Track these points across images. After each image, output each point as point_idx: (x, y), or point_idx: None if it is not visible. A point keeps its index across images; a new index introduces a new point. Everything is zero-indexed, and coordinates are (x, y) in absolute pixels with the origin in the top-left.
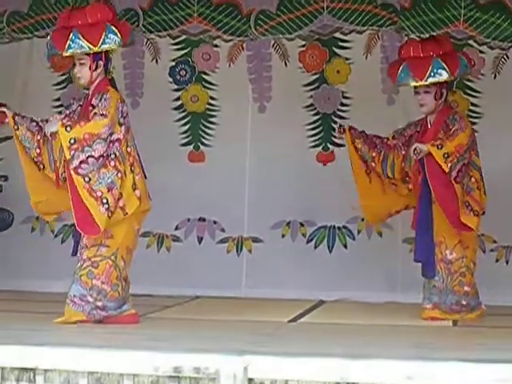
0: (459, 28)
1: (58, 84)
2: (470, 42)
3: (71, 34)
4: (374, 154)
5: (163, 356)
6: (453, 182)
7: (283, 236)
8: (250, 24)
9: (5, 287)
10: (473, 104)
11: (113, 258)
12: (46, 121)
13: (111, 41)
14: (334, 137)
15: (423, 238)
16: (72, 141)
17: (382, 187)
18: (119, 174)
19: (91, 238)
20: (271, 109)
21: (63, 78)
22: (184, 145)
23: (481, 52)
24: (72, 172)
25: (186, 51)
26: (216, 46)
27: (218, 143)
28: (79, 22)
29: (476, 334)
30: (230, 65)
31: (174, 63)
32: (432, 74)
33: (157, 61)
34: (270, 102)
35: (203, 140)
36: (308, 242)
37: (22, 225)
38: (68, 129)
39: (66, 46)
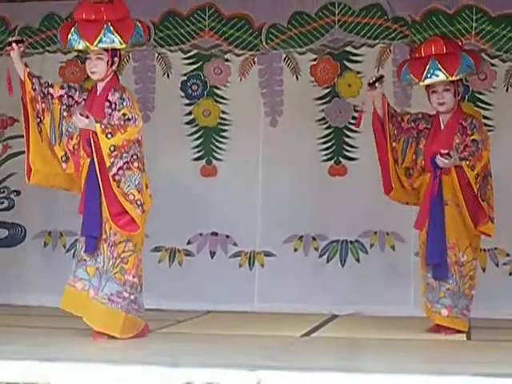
0: (471, 41)
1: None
2: (482, 55)
3: (104, 28)
4: (395, 132)
5: (175, 371)
6: (480, 201)
7: (296, 250)
8: (261, 38)
9: (17, 302)
10: (485, 117)
11: (137, 251)
12: (51, 86)
13: (138, 38)
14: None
15: (435, 240)
16: (112, 148)
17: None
18: (141, 174)
19: (119, 234)
20: (283, 122)
21: None
22: (196, 159)
23: (492, 65)
24: (110, 178)
25: (197, 66)
26: (227, 60)
27: (230, 157)
28: (110, 17)
29: (490, 348)
30: (241, 79)
31: (185, 77)
32: (461, 69)
33: (168, 75)
34: (282, 115)
35: (215, 154)
36: (320, 256)
37: (34, 240)
38: (109, 136)
39: (97, 40)
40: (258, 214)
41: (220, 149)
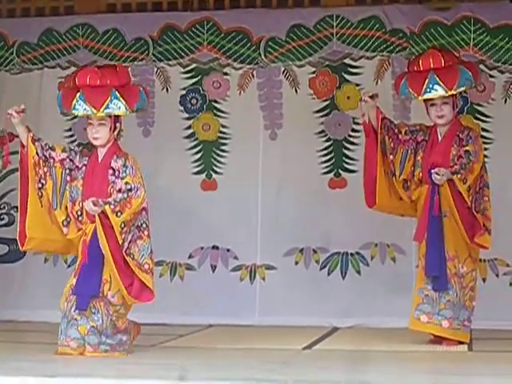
0: (469, 52)
1: (70, 114)
2: (480, 66)
3: (110, 94)
4: (392, 145)
5: None
6: (474, 212)
7: (296, 263)
8: (259, 51)
9: (18, 318)
10: (483, 129)
11: (127, 313)
12: (52, 148)
13: (142, 103)
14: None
15: (435, 252)
16: (122, 225)
17: (388, 188)
18: (150, 241)
19: (117, 297)
20: (282, 136)
21: None
22: (196, 173)
23: (491, 76)
24: (124, 253)
25: (196, 79)
26: (226, 73)
27: (230, 171)
28: (115, 83)
29: (491, 359)
30: (240, 92)
31: (184, 92)
32: (460, 83)
33: (167, 89)
34: (282, 128)
35: (215, 168)
36: (321, 268)
37: (34, 256)
38: (119, 214)
39: (104, 106)
40: (258, 227)
41: (220, 162)
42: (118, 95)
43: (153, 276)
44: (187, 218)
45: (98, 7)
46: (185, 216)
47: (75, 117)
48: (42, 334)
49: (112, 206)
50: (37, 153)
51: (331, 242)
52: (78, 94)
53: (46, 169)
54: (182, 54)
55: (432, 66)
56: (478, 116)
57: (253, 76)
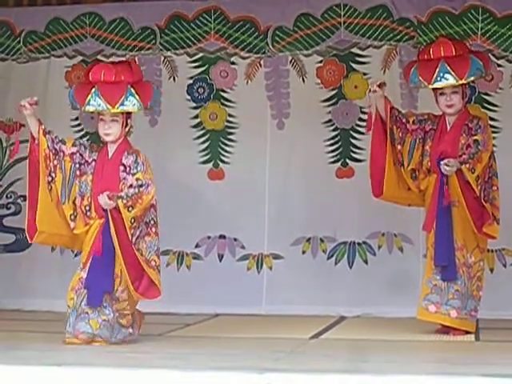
0: (477, 42)
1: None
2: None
3: (126, 91)
4: (400, 135)
5: (184, 374)
6: (483, 202)
7: (304, 252)
8: (267, 41)
9: (24, 307)
10: (491, 118)
11: (133, 311)
12: (63, 142)
13: (155, 100)
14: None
15: (443, 242)
16: (133, 220)
17: (397, 178)
18: (158, 239)
19: (126, 293)
20: (290, 125)
21: None
22: (203, 162)
23: (499, 66)
24: (134, 248)
25: (203, 69)
26: (233, 63)
27: (238, 160)
28: (129, 79)
29: (498, 348)
30: (247, 82)
31: (191, 81)
32: (471, 72)
33: (174, 79)
34: (289, 118)
35: (222, 157)
36: (328, 258)
37: (41, 245)
38: (130, 209)
39: (120, 103)
40: (265, 216)
41: (227, 152)
42: (133, 92)
43: (159, 273)
44: (194, 207)
45: None
46: (192, 205)
47: None
48: (48, 323)
49: (124, 201)
50: (48, 146)
51: (338, 232)
52: (93, 90)
53: (55, 162)
54: (189, 43)
55: (443, 54)
56: (486, 105)
57: (260, 65)
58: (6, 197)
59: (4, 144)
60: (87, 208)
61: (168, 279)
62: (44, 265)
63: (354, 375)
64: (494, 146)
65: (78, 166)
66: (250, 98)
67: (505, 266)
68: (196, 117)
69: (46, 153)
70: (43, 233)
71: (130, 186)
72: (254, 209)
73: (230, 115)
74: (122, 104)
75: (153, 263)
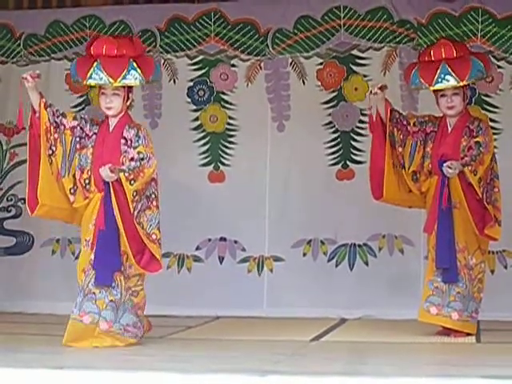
0: (477, 43)
1: (76, 106)
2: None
3: (128, 64)
4: (401, 137)
5: (185, 377)
6: (485, 204)
7: (304, 255)
8: (267, 43)
9: (25, 310)
10: (491, 120)
11: (144, 286)
12: (64, 115)
13: (157, 74)
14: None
15: (445, 244)
16: (134, 193)
17: (397, 181)
18: (159, 212)
19: (134, 268)
20: (290, 127)
21: (81, 99)
22: (204, 165)
23: (499, 67)
24: (135, 221)
25: (203, 71)
26: (233, 65)
27: (238, 163)
28: (131, 53)
29: (499, 350)
30: (248, 84)
31: (191, 83)
32: (472, 73)
33: (175, 81)
34: (289, 120)
35: (223, 160)
36: (329, 260)
37: (42, 247)
38: (132, 182)
39: (122, 76)
40: (266, 218)
41: (227, 154)
42: (135, 66)
43: (160, 247)
44: (195, 209)
45: None
46: (192, 208)
47: (82, 108)
48: (50, 326)
49: (126, 174)
50: (48, 119)
51: (339, 234)
52: (95, 64)
53: (56, 135)
54: (190, 45)
55: (444, 56)
56: (486, 106)
57: (260, 67)
58: (7, 200)
59: (4, 147)
60: (86, 181)
61: (169, 282)
62: (45, 267)
63: (355, 377)
64: (494, 147)
65: (78, 139)
66: (251, 101)
67: (505, 267)
68: (196, 119)
69: (46, 126)
70: (44, 206)
71: (132, 159)
72: (254, 211)
73: (230, 117)
74: (124, 78)
75: (153, 237)
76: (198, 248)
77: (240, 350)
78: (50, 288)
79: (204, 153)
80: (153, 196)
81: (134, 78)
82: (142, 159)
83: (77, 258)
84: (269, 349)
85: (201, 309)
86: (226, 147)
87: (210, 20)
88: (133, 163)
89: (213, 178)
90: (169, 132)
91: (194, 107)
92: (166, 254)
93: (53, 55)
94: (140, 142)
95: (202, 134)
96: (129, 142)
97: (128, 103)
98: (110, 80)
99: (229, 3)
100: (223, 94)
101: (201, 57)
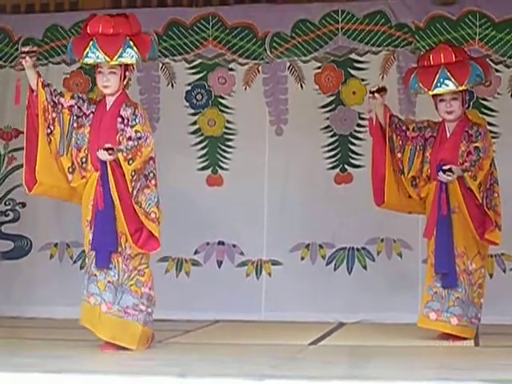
0: (475, 47)
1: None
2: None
3: (124, 42)
4: (400, 143)
5: (183, 381)
6: (486, 209)
7: (302, 258)
8: (265, 47)
9: (24, 314)
10: (489, 123)
11: (149, 263)
12: (61, 94)
13: (153, 52)
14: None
15: (444, 249)
16: (133, 173)
17: (397, 186)
18: (157, 190)
19: (136, 248)
20: (288, 131)
21: None
22: (202, 169)
23: (497, 71)
24: (133, 201)
25: (201, 75)
26: (231, 69)
27: (236, 167)
28: (128, 31)
29: (498, 354)
30: (246, 88)
31: (189, 87)
32: (471, 78)
33: (172, 85)
34: (287, 124)
35: (221, 164)
36: (327, 264)
37: (40, 252)
38: (130, 162)
39: (118, 54)
40: (264, 222)
41: (225, 158)
42: (132, 44)
43: (159, 225)
44: (193, 213)
45: (103, 3)
46: (190, 212)
47: None
48: (48, 330)
49: (124, 154)
50: (46, 98)
51: (337, 238)
52: (91, 42)
53: (54, 114)
54: (187, 49)
55: (443, 60)
56: (484, 110)
57: (258, 71)
58: (5, 204)
59: (2, 151)
60: (83, 160)
61: (167, 286)
62: (43, 272)
63: (353, 381)
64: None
65: (75, 118)
66: (249, 104)
67: (504, 271)
68: (194, 123)
69: (44, 105)
70: (42, 184)
71: (129, 138)
72: (252, 215)
73: (228, 121)
74: (121, 56)
75: (152, 215)
76: (196, 252)
77: (238, 354)
78: (47, 292)
79: (202, 157)
80: (151, 175)
81: (130, 56)
82: (140, 138)
83: (75, 262)
84: (267, 353)
85: (199, 313)
86: (224, 151)
87: (208, 24)
88: (130, 142)
89: (211, 182)
90: (167, 136)
91: (192, 111)
92: (164, 258)
93: (51, 59)
94: (137, 120)
95: (200, 138)
96: (125, 120)
97: (125, 82)
98: (107, 58)
99: (227, 7)
100: (221, 97)
101: (199, 61)
